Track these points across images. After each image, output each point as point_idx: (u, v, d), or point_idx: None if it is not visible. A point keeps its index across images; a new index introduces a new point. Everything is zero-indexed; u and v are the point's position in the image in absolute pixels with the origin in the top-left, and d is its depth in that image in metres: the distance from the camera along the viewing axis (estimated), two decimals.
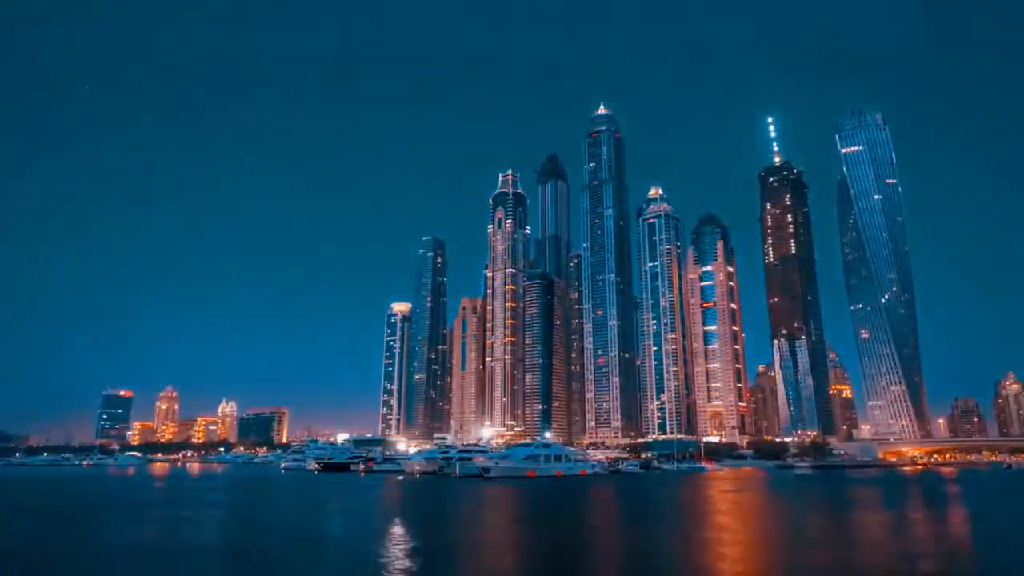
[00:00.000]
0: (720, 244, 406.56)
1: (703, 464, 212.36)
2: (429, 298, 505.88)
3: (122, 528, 44.53)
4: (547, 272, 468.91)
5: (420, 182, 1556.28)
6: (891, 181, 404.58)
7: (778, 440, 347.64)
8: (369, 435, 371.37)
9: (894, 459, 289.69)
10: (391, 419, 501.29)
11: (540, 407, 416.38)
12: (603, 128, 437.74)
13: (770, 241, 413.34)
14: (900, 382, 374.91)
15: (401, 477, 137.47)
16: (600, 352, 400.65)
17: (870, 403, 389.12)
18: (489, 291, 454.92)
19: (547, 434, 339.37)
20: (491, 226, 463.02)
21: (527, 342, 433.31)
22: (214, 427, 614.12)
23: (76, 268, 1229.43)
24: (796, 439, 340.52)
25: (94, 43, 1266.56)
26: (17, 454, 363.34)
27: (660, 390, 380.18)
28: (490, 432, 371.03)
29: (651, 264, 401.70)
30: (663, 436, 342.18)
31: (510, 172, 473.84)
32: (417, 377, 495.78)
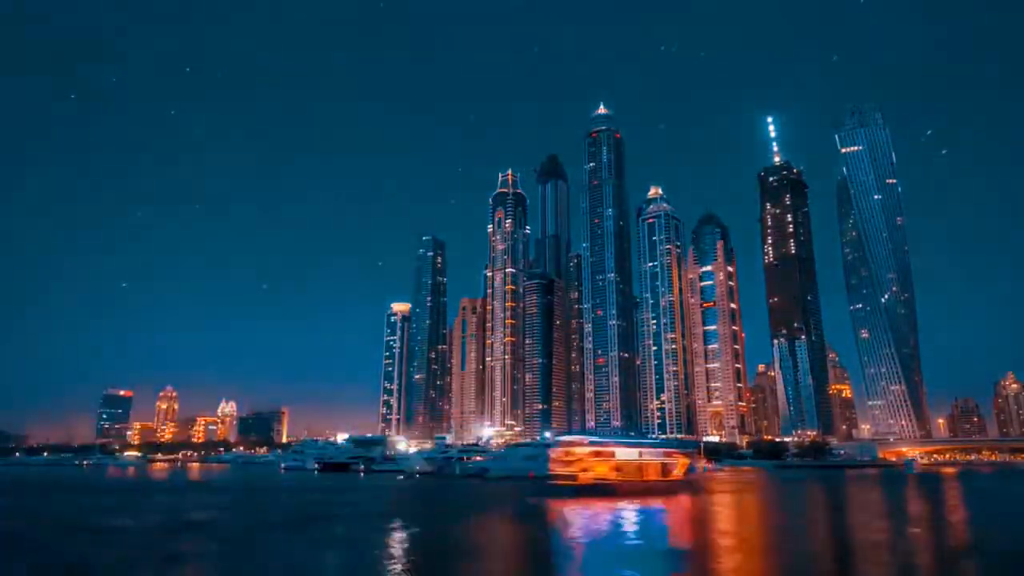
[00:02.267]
0: (720, 244, 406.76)
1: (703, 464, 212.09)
2: (429, 298, 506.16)
3: None
4: (547, 272, 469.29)
5: (420, 182, 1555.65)
6: (891, 181, 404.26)
7: (778, 440, 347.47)
8: (369, 435, 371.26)
9: (894, 459, 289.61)
10: (391, 419, 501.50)
11: (540, 407, 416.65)
12: (603, 128, 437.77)
13: (770, 241, 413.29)
14: (900, 382, 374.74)
15: (401, 477, 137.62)
16: (600, 352, 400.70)
17: (870, 403, 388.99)
18: (489, 291, 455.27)
19: (547, 434, 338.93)
20: (491, 226, 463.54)
21: (527, 342, 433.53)
22: (214, 427, 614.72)
23: (76, 267, 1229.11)
24: (796, 439, 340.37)
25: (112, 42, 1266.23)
26: (17, 454, 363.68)
27: (660, 390, 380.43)
28: (490, 432, 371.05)
29: (651, 264, 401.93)
30: (663, 436, 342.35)
31: (510, 172, 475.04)
32: (417, 377, 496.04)
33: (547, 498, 67.43)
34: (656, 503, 63.41)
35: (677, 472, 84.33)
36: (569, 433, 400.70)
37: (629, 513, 54.45)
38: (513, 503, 69.89)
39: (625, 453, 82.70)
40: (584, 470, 77.85)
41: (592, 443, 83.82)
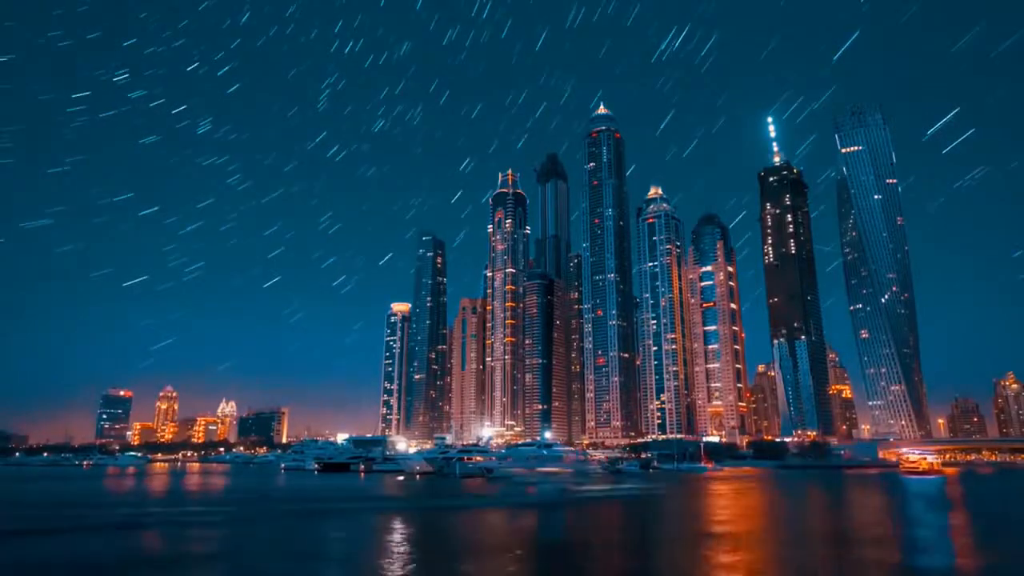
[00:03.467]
0: (720, 244, 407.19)
1: (703, 464, 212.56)
2: (429, 298, 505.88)
3: None
4: (547, 272, 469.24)
5: (420, 182, 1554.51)
6: (891, 181, 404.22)
7: (778, 440, 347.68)
8: (369, 435, 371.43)
9: (894, 459, 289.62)
10: (391, 419, 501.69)
11: (540, 407, 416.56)
12: (603, 128, 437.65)
13: (770, 241, 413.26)
14: (900, 382, 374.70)
15: (401, 477, 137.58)
16: (600, 352, 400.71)
17: (870, 403, 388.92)
18: (489, 291, 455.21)
19: (547, 434, 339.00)
20: (491, 226, 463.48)
21: (527, 342, 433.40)
22: (214, 427, 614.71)
23: (75, 267, 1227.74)
24: (796, 439, 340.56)
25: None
26: (17, 454, 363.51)
27: (660, 390, 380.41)
28: (490, 432, 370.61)
29: (651, 264, 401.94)
30: (663, 436, 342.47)
31: (510, 172, 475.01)
32: (417, 377, 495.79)
33: (905, 475, 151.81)
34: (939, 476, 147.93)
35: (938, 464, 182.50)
36: (569, 433, 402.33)
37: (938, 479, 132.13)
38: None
39: (929, 457, 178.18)
40: (917, 465, 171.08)
41: (919, 453, 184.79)
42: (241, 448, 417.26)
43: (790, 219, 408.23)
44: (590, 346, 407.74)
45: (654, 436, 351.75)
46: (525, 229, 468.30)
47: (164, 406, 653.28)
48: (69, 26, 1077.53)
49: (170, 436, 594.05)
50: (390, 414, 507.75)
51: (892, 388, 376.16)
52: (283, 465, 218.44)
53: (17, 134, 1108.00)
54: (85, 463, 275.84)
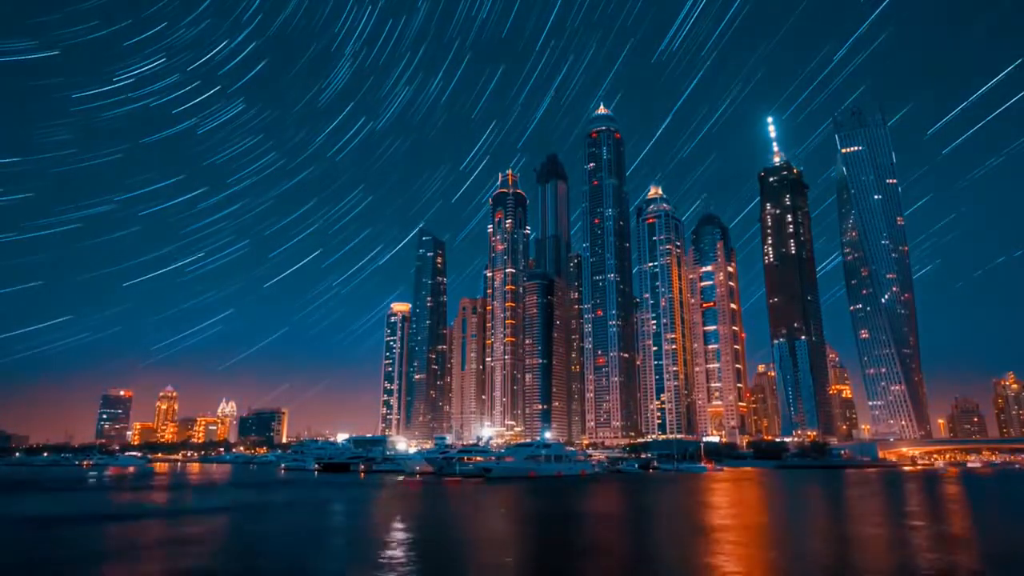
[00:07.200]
0: (720, 244, 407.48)
1: (703, 464, 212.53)
2: (429, 298, 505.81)
3: None
4: (547, 272, 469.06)
5: (420, 182, 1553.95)
6: (891, 181, 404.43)
7: (778, 440, 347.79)
8: (369, 435, 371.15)
9: (894, 459, 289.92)
10: (391, 419, 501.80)
11: (540, 407, 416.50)
12: (602, 128, 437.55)
13: (770, 241, 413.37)
14: (900, 382, 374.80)
15: (401, 477, 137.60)
16: (600, 352, 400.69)
17: (870, 403, 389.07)
18: (489, 291, 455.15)
19: (547, 434, 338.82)
20: (491, 226, 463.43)
21: (527, 342, 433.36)
22: (214, 427, 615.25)
23: (76, 267, 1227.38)
24: (796, 439, 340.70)
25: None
26: (17, 454, 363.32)
27: (660, 390, 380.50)
28: (490, 432, 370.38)
29: (651, 264, 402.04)
30: (663, 436, 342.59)
31: (510, 172, 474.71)
32: (417, 377, 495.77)
33: None
34: None
35: None
36: (569, 433, 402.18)
37: None
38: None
39: None
40: None
41: None
42: (241, 448, 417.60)
43: (790, 219, 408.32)
44: (590, 346, 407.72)
45: (654, 436, 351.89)
46: (525, 229, 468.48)
47: (164, 406, 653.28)
48: (103, 16, 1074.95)
49: (170, 436, 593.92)
50: (390, 414, 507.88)
51: (892, 388, 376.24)
52: (283, 465, 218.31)
53: (66, 127, 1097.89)
54: (85, 463, 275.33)
